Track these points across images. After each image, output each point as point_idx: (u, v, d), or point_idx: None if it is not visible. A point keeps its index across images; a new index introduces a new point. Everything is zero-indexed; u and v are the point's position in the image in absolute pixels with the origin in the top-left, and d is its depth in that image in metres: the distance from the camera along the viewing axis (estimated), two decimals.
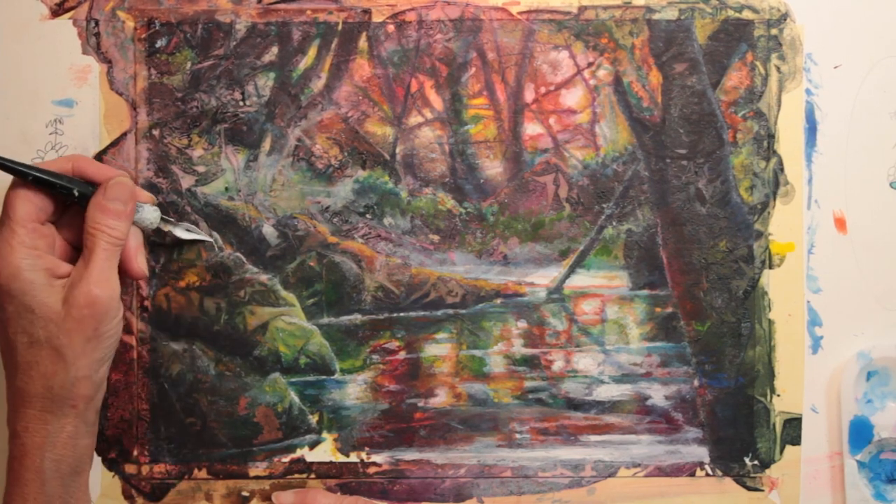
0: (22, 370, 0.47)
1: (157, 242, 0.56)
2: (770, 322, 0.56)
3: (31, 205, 0.48)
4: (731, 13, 0.56)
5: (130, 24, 0.56)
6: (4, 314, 0.47)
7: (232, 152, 0.57)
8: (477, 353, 0.57)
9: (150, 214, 0.53)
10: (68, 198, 0.49)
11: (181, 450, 0.57)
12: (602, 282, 0.57)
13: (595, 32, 0.56)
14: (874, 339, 0.56)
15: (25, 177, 0.48)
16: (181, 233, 0.55)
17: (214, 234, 0.56)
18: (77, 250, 0.50)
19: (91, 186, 0.50)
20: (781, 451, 0.56)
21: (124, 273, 0.50)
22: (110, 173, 0.51)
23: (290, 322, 0.57)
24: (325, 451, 0.57)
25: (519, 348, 0.57)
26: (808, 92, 0.57)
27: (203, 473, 0.57)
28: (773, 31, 0.56)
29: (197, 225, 0.56)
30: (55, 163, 0.51)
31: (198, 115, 0.57)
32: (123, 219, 0.49)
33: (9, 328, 0.47)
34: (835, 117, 0.57)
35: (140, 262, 0.51)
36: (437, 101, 0.57)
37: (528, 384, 0.57)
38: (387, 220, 0.57)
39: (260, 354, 0.57)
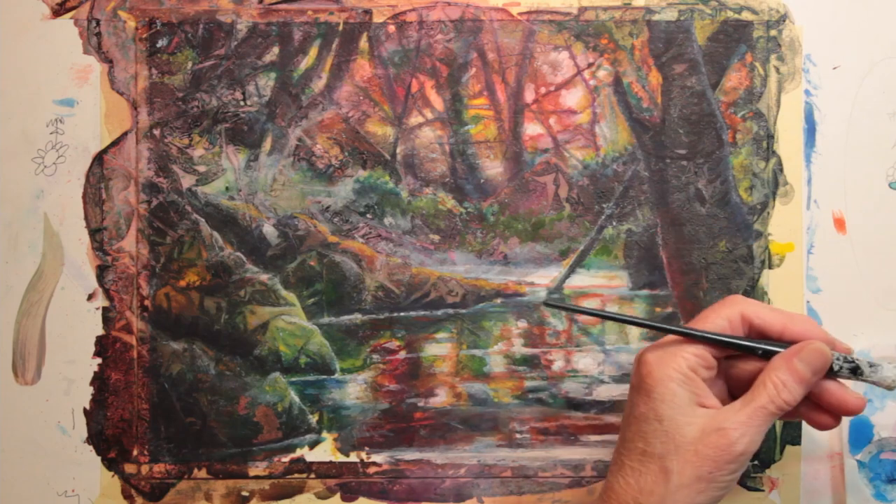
0: (623, 472, 0.46)
1: (157, 242, 0.56)
2: None
3: (707, 354, 0.46)
4: (730, 14, 0.57)
5: (132, 23, 0.57)
6: (635, 410, 0.46)
7: (233, 152, 0.57)
8: (477, 352, 0.57)
9: (891, 373, 0.47)
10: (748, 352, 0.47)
11: (181, 449, 0.56)
12: (602, 282, 0.57)
13: (595, 33, 0.57)
14: (874, 339, 0.56)
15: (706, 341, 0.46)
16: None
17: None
18: (731, 397, 0.48)
19: (776, 346, 0.46)
20: (781, 451, 0.56)
21: (838, 408, 0.46)
22: (796, 329, 0.47)
23: (291, 322, 0.57)
24: (325, 451, 0.57)
25: (519, 348, 0.57)
26: (807, 93, 0.57)
27: (203, 473, 0.57)
28: (773, 32, 0.57)
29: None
30: (722, 310, 0.47)
31: (199, 114, 0.57)
32: (803, 386, 0.45)
33: (631, 426, 0.46)
34: (834, 118, 0.57)
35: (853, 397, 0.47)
36: (437, 102, 0.57)
37: (528, 384, 0.57)
38: (387, 220, 0.57)
39: (260, 354, 0.57)
